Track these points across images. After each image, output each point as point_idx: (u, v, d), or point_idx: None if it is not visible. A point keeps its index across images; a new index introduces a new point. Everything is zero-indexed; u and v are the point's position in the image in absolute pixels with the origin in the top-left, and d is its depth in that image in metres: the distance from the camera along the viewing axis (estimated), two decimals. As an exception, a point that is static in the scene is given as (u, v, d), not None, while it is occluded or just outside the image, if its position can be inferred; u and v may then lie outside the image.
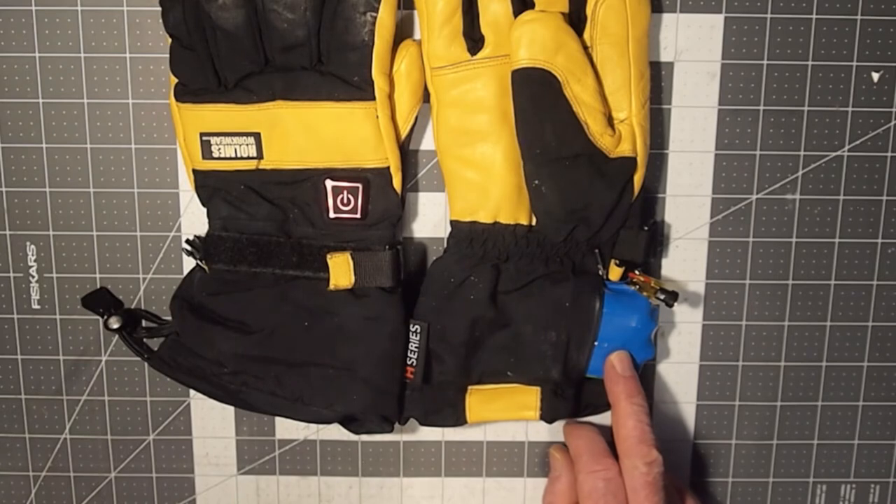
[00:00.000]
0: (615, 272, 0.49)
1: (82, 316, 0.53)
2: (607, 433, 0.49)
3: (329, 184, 0.47)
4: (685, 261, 0.53)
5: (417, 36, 0.49)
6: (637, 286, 0.49)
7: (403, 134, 0.48)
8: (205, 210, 0.49)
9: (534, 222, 0.48)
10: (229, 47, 0.45)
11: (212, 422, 0.54)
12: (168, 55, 0.46)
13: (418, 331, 0.48)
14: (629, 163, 0.47)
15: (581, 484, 0.47)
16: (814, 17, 0.50)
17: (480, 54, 0.46)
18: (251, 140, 0.47)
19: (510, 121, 0.46)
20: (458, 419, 0.50)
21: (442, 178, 0.49)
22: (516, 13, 0.45)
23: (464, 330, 0.48)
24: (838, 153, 0.51)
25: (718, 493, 0.56)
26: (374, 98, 0.46)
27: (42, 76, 0.50)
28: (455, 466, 0.55)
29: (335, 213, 0.48)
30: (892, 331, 0.54)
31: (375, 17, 0.44)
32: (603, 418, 0.52)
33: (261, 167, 0.48)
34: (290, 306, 0.48)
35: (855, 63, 0.50)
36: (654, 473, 0.45)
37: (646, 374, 0.54)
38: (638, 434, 0.46)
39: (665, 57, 0.50)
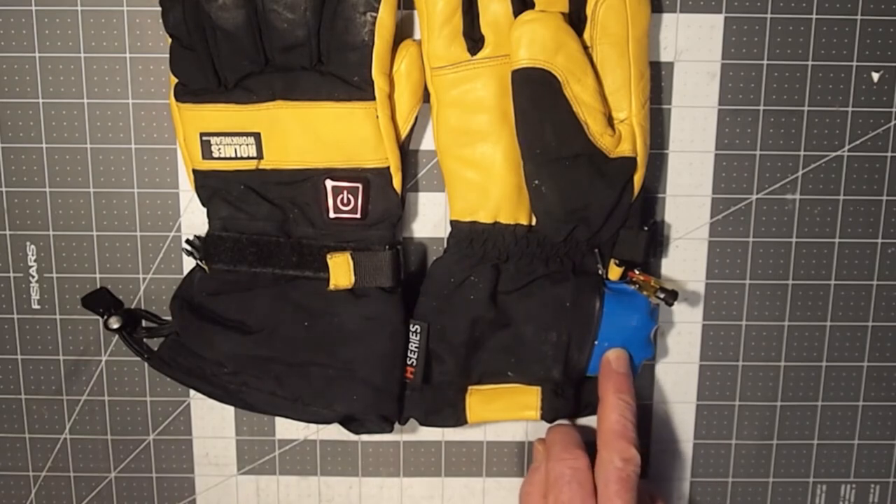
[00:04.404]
0: (615, 272, 0.49)
1: (82, 316, 0.53)
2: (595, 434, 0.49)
3: (329, 184, 0.47)
4: (685, 261, 0.53)
5: (417, 36, 0.49)
6: (637, 285, 0.49)
7: (403, 134, 0.48)
8: (205, 210, 0.49)
9: (534, 222, 0.48)
10: (229, 47, 0.45)
11: (212, 422, 0.54)
12: (168, 55, 0.46)
13: (418, 331, 0.48)
14: (629, 163, 0.47)
15: (549, 471, 0.47)
16: (814, 17, 0.50)
17: (480, 54, 0.46)
18: (251, 140, 0.47)
19: (510, 121, 0.46)
20: (459, 419, 0.50)
21: (442, 178, 0.49)
22: (516, 13, 0.45)
23: (464, 330, 0.48)
24: (838, 153, 0.51)
25: (718, 493, 0.56)
26: (374, 98, 0.46)
27: (42, 76, 0.50)
28: (455, 466, 0.55)
29: (335, 213, 0.48)
30: (892, 331, 0.54)
31: (375, 17, 0.44)
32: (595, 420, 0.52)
33: (261, 167, 0.48)
34: (290, 306, 0.48)
35: (855, 63, 0.50)
36: (628, 470, 0.45)
37: (645, 374, 0.54)
38: (619, 429, 0.46)
39: (665, 57, 0.50)
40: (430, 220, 0.52)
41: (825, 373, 0.54)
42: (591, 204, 0.47)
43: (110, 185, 0.51)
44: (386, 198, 0.48)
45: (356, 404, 0.48)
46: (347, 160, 0.47)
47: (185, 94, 0.47)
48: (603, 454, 0.46)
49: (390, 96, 0.47)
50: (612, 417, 0.47)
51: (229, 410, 0.54)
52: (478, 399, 0.50)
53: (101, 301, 0.52)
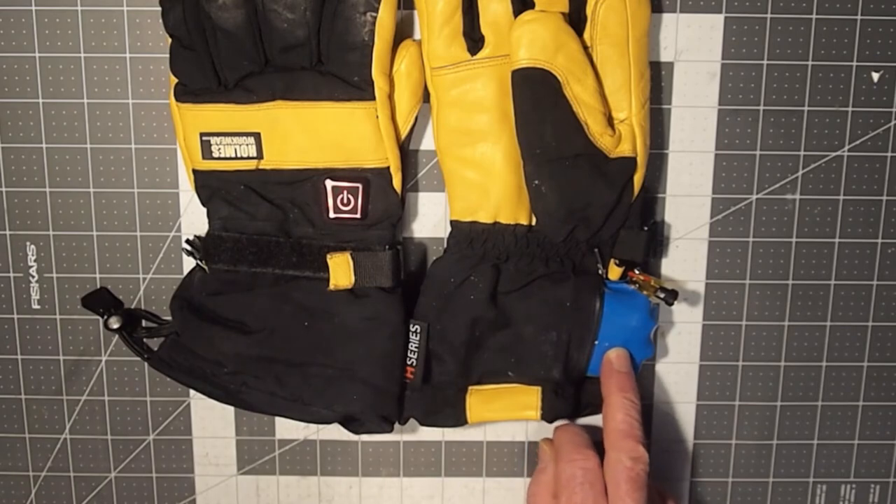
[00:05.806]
0: (615, 272, 0.49)
1: (82, 316, 0.53)
2: (601, 434, 0.49)
3: (329, 184, 0.47)
4: (685, 261, 0.53)
5: (417, 36, 0.49)
6: (637, 285, 0.49)
7: (403, 134, 0.48)
8: (205, 210, 0.49)
9: (534, 222, 0.48)
10: (229, 47, 0.45)
11: (212, 422, 0.54)
12: (168, 55, 0.46)
13: (418, 331, 0.48)
14: (629, 163, 0.47)
15: (559, 472, 0.47)
16: (814, 17, 0.50)
17: (480, 54, 0.46)
18: (251, 140, 0.47)
19: (510, 121, 0.46)
20: (459, 419, 0.50)
21: (442, 178, 0.49)
22: (516, 13, 0.45)
23: (464, 330, 0.48)
24: (838, 153, 0.51)
25: (718, 493, 0.56)
26: (374, 98, 0.46)
27: (42, 76, 0.50)
28: (455, 466, 0.55)
29: (335, 213, 0.48)
30: (892, 331, 0.54)
31: (375, 17, 0.44)
32: (600, 419, 0.52)
33: (261, 167, 0.48)
34: (290, 306, 0.48)
35: (855, 63, 0.50)
36: (637, 469, 0.45)
37: (645, 374, 0.54)
38: (626, 428, 0.46)
39: (665, 57, 0.50)
40: (430, 220, 0.52)
41: (825, 373, 0.54)
42: (591, 204, 0.47)
43: (110, 185, 0.51)
44: (386, 198, 0.48)
45: (356, 404, 0.48)
46: (347, 160, 0.47)
47: (185, 94, 0.47)
48: (611, 454, 0.46)
49: (390, 96, 0.47)
50: (617, 417, 0.46)
51: (229, 410, 0.54)
52: (478, 399, 0.50)
53: (101, 301, 0.52)
